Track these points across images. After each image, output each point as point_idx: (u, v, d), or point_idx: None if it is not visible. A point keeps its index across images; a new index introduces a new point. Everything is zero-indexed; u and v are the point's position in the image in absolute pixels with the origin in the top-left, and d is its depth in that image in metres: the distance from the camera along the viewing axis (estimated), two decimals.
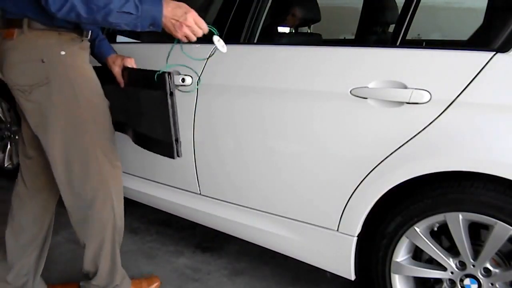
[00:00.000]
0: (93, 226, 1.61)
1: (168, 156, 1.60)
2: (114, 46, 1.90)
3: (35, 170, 1.70)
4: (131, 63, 1.73)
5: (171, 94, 1.50)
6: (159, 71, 1.51)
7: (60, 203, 2.72)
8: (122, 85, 1.72)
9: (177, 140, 1.55)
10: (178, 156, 1.57)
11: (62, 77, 1.46)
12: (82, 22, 1.37)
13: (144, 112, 1.66)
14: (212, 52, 1.75)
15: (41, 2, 1.31)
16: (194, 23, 1.41)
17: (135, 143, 1.79)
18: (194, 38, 1.44)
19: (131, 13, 1.34)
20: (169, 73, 1.49)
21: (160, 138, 1.60)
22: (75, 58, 1.50)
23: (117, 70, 1.71)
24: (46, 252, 1.80)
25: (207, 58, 1.83)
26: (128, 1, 1.33)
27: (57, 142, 1.51)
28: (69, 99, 1.48)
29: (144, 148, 1.75)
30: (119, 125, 1.73)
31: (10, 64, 1.45)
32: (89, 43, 1.58)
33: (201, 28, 1.43)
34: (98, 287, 1.70)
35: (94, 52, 1.72)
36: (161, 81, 1.51)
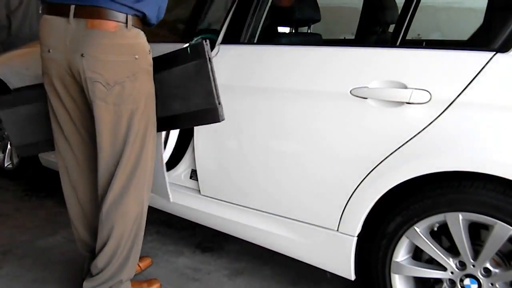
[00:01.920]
0: (122, 208, 1.62)
1: (212, 122, 1.64)
2: None
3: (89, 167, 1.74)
4: None
5: (210, 59, 1.57)
6: (189, 45, 1.60)
7: (60, 203, 2.71)
8: None
9: (219, 103, 1.60)
10: (223, 119, 1.62)
11: (145, 73, 1.56)
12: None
13: (171, 92, 1.68)
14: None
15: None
16: None
17: (161, 130, 1.77)
18: None
19: None
20: (205, 40, 1.57)
21: (199, 108, 1.63)
22: (151, 57, 1.60)
23: None
24: None
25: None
26: None
27: (131, 135, 1.57)
28: (146, 93, 1.58)
29: (178, 128, 1.81)
30: None
31: (99, 56, 1.48)
32: None
33: None
34: (101, 279, 1.69)
35: None
36: (198, 50, 1.58)
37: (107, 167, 1.60)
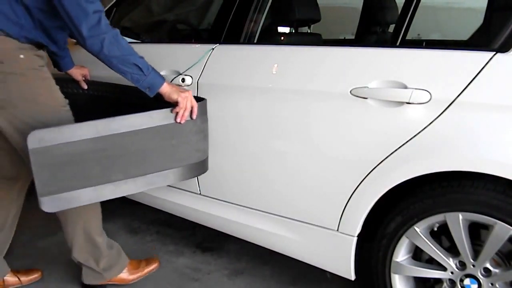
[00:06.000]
0: None
1: (202, 173, 1.78)
2: None
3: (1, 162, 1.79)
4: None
5: None
6: (203, 98, 1.70)
7: None
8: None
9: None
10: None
11: (15, 78, 1.54)
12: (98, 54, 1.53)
13: (170, 146, 1.65)
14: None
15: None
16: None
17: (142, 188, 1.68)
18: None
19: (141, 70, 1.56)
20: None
21: (196, 160, 1.72)
22: (32, 61, 1.59)
23: (80, 79, 2.02)
24: (9, 239, 1.93)
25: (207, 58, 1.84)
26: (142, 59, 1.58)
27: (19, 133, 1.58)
28: (23, 98, 1.57)
29: (169, 184, 1.80)
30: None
31: None
32: (45, 53, 1.69)
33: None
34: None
35: (60, 65, 1.93)
36: (202, 107, 1.71)
37: None
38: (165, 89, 1.61)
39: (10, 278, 1.93)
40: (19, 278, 1.95)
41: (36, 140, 1.40)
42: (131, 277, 1.94)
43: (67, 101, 1.69)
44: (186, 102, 1.62)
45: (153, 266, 2.01)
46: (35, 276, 1.99)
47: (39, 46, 1.63)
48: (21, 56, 1.55)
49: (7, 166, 1.80)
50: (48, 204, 1.50)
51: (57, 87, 1.67)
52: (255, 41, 1.86)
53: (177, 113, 1.62)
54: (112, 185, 1.56)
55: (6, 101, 1.55)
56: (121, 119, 1.52)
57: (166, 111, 1.62)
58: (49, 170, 1.45)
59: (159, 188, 2.11)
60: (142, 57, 1.58)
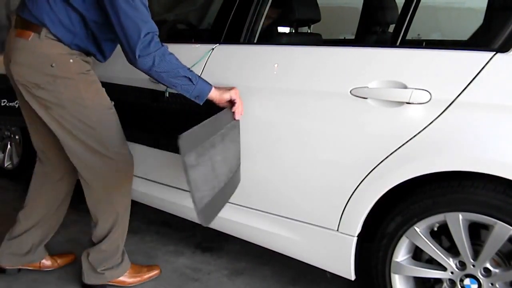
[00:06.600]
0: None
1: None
2: None
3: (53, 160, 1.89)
4: None
5: None
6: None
7: None
8: None
9: None
10: None
11: (65, 81, 1.60)
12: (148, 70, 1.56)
13: (237, 144, 1.71)
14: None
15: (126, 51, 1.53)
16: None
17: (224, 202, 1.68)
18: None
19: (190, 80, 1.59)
20: None
21: (235, 169, 1.70)
22: (81, 66, 1.65)
23: None
24: (54, 229, 2.02)
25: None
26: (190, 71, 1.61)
27: (66, 132, 1.66)
28: (71, 100, 1.63)
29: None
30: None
31: (17, 61, 1.60)
32: (91, 59, 1.74)
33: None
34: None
35: None
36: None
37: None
38: (214, 94, 1.64)
39: (46, 262, 2.02)
40: (56, 261, 2.05)
41: (189, 142, 1.22)
42: (131, 280, 1.95)
43: (112, 103, 1.73)
44: (238, 98, 1.66)
45: (154, 273, 2.02)
46: (70, 257, 2.10)
47: (88, 54, 1.69)
48: (71, 60, 1.61)
49: (55, 165, 1.89)
50: (207, 215, 1.39)
51: (103, 89, 1.71)
52: (255, 41, 1.86)
53: (233, 112, 1.66)
54: (226, 184, 1.58)
55: (54, 102, 1.61)
56: (219, 117, 1.54)
57: (228, 110, 1.65)
58: (202, 174, 1.31)
59: (159, 188, 2.11)
60: (188, 68, 1.61)
